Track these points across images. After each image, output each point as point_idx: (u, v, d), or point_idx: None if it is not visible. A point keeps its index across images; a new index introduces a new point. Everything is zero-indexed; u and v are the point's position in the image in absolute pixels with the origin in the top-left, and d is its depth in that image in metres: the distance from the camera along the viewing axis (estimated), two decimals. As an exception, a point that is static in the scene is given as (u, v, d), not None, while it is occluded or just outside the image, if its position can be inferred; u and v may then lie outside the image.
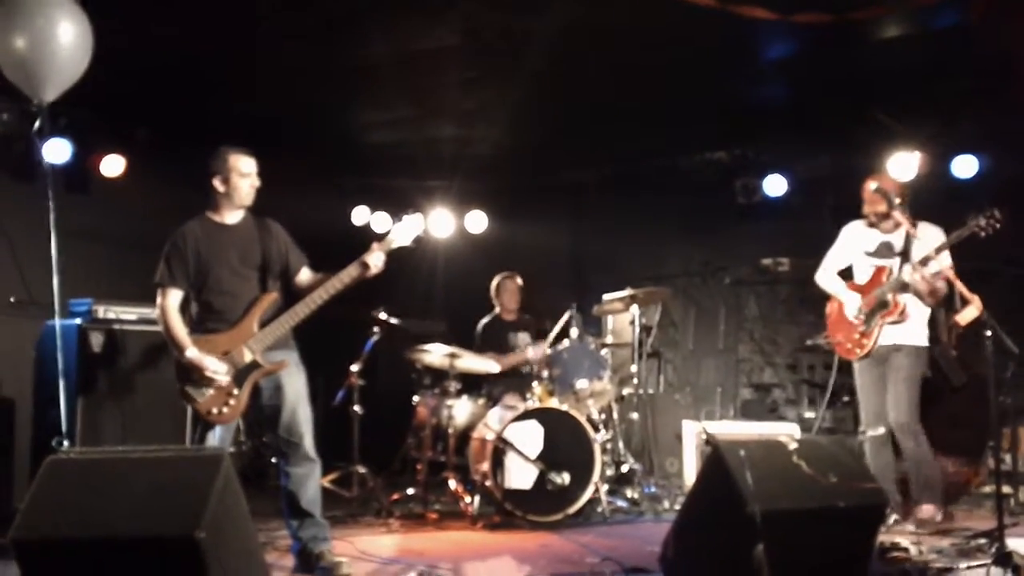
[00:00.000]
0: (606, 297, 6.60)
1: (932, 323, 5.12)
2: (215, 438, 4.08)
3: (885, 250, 5.13)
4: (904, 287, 4.94)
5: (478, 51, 5.77)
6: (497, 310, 6.84)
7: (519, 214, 8.22)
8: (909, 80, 6.05)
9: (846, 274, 5.34)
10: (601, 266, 8.21)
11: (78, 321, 5.32)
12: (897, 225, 5.06)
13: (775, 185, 7.38)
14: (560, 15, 5.04)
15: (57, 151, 6.26)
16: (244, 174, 4.15)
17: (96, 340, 5.37)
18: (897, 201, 4.87)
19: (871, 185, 5.06)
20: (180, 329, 4.04)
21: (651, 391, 7.22)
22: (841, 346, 5.23)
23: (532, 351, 6.16)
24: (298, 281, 4.28)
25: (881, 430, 5.03)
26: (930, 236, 4.95)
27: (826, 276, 5.35)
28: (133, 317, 5.51)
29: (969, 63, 5.70)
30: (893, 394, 5.00)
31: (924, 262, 4.84)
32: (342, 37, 5.52)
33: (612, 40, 5.49)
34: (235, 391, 4.03)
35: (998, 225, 4.60)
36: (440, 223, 8.09)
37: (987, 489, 5.68)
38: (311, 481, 4.15)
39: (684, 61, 5.83)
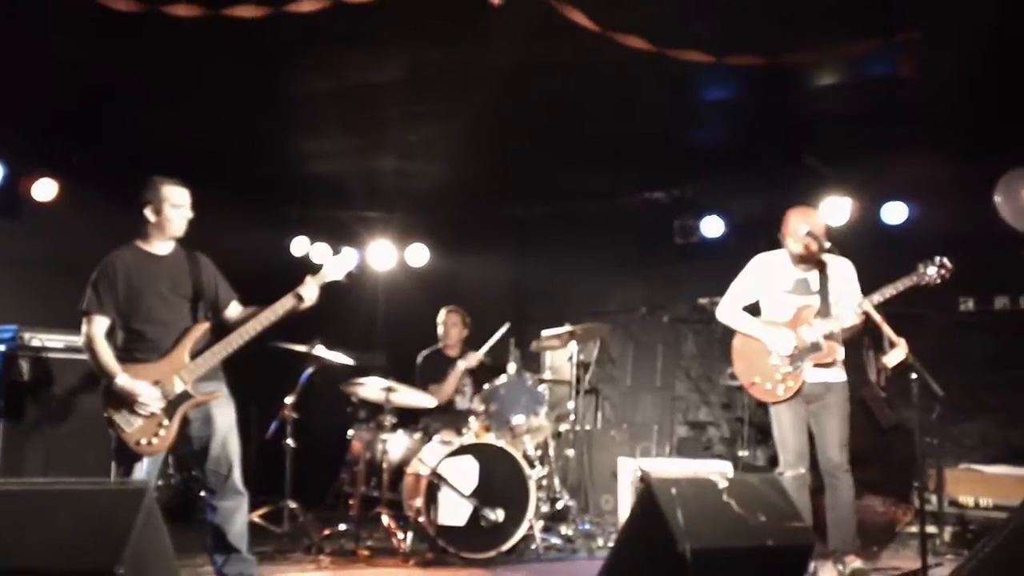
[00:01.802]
0: (544, 333, 6.62)
1: (860, 364, 5.09)
2: (142, 470, 3.98)
3: (803, 288, 4.82)
4: (838, 337, 4.68)
5: (422, 85, 5.80)
6: (440, 344, 6.81)
7: (461, 247, 8.23)
8: (842, 126, 6.20)
9: (752, 310, 4.99)
10: (542, 300, 8.25)
11: (1, 348, 5.18)
12: (815, 262, 4.81)
13: (712, 226, 7.54)
14: (504, 52, 5.09)
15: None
16: (176, 205, 4.11)
17: (23, 367, 5.24)
18: (827, 245, 4.66)
19: (801, 228, 4.74)
20: (109, 355, 3.96)
21: (588, 427, 7.22)
22: (757, 387, 4.81)
23: (463, 361, 6.25)
24: (227, 315, 4.24)
25: (801, 471, 4.67)
26: (843, 270, 4.80)
27: (734, 312, 4.97)
28: (60, 345, 5.39)
29: (899, 111, 5.86)
30: (830, 433, 4.67)
31: (876, 304, 4.45)
32: (285, 67, 5.50)
33: (555, 77, 5.53)
34: (165, 421, 3.94)
35: (948, 275, 4.46)
36: (381, 255, 8.08)
37: (913, 529, 5.79)
38: (239, 515, 4.07)
39: (626, 99, 5.93)
